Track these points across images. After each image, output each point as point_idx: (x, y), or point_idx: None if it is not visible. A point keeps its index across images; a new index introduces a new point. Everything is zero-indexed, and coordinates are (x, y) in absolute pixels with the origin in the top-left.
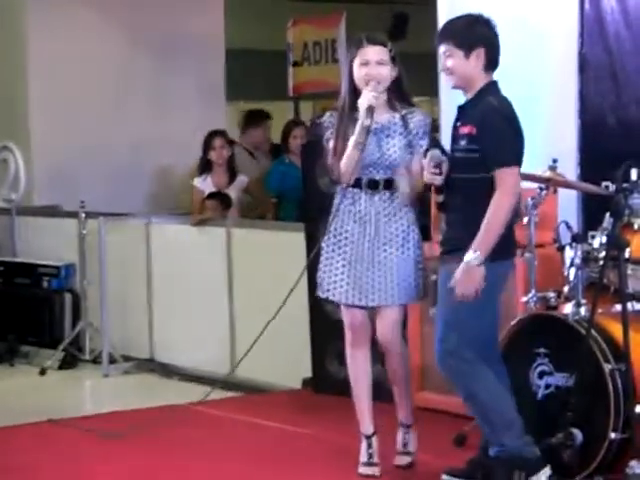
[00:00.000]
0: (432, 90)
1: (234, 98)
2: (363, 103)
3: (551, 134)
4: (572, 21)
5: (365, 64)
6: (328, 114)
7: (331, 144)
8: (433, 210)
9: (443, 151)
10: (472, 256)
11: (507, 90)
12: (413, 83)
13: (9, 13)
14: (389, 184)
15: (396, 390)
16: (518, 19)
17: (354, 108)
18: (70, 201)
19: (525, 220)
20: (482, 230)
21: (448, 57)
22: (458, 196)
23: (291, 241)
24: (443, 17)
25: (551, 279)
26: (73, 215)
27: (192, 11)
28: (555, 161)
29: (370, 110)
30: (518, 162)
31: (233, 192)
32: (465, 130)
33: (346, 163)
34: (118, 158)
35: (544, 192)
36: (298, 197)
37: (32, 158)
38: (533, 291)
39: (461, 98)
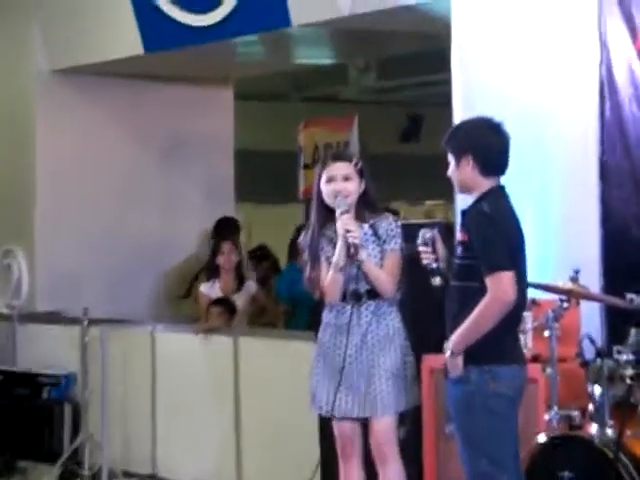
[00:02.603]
0: (447, 193)
1: (243, 200)
2: (342, 232)
3: (573, 243)
4: (592, 127)
5: (331, 180)
6: (303, 234)
7: (307, 267)
8: None
9: (434, 226)
10: (446, 347)
11: (525, 198)
12: (427, 186)
13: (18, 117)
14: (372, 294)
15: None
16: (537, 125)
17: (324, 225)
18: (74, 305)
19: (546, 333)
20: (463, 326)
21: (450, 164)
22: (456, 305)
23: (301, 350)
24: (458, 118)
25: (574, 396)
26: (76, 322)
27: (202, 111)
28: (577, 272)
29: (355, 249)
30: (509, 267)
31: (240, 299)
32: (460, 237)
33: (329, 285)
34: (123, 261)
35: (565, 304)
36: (311, 304)
37: (36, 262)
38: (555, 409)
39: None
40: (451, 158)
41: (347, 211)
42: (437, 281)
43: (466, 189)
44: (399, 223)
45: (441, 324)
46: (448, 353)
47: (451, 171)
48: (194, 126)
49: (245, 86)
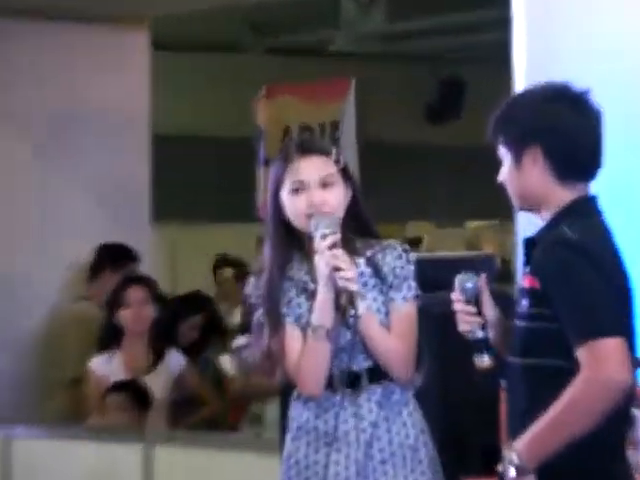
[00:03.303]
0: (501, 209)
1: (166, 217)
2: (326, 273)
3: None
4: None
5: (300, 189)
6: (252, 281)
7: (261, 335)
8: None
9: (478, 268)
10: (508, 458)
11: (618, 219)
12: (469, 196)
13: None
14: (376, 374)
15: None
16: None
17: (288, 263)
18: None
19: None
20: (538, 425)
21: (503, 163)
22: (523, 395)
23: (255, 467)
24: (522, 84)
25: None
26: None
27: (98, 67)
28: None
29: (349, 299)
30: (615, 331)
31: (158, 382)
32: (526, 283)
33: (308, 364)
34: None
35: None
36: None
37: None
38: None
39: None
40: (505, 153)
41: (334, 236)
42: (485, 360)
43: (532, 202)
44: (412, 255)
45: (489, 428)
46: (511, 471)
47: (506, 174)
48: (85, 93)
49: (170, 29)
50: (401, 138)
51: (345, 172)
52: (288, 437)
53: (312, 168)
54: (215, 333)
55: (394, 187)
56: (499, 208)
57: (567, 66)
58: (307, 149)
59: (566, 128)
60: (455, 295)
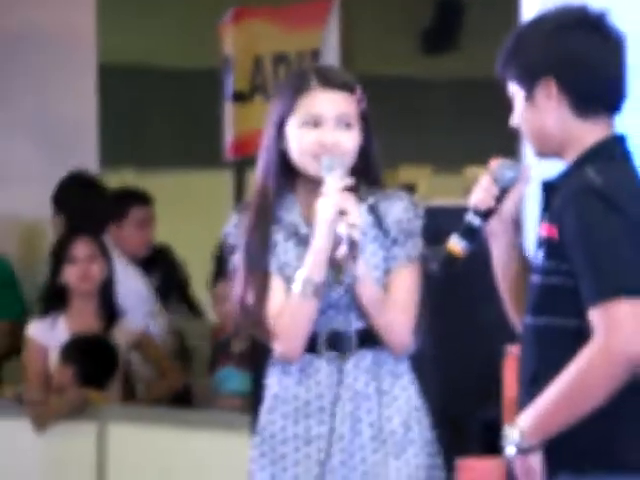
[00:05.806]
0: (508, 150)
1: (116, 162)
2: (327, 217)
3: None
4: None
5: (315, 124)
6: (234, 219)
7: (239, 283)
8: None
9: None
10: (511, 437)
11: None
12: (471, 137)
13: None
14: (368, 338)
15: None
16: None
17: (279, 201)
18: None
19: None
20: (544, 397)
21: (514, 101)
22: (530, 361)
23: (223, 445)
24: (530, 11)
25: None
26: None
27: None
28: None
29: (351, 251)
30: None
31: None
32: (543, 232)
33: (290, 324)
34: None
35: None
36: None
37: None
38: None
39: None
40: (516, 91)
41: (347, 179)
42: (460, 246)
43: (552, 145)
44: (421, 209)
45: (490, 401)
46: (512, 447)
47: (519, 114)
48: (24, 17)
49: None
50: (392, 70)
51: (364, 115)
52: (263, 408)
53: (333, 103)
54: (175, 291)
55: (384, 126)
56: (505, 150)
57: None
58: (330, 81)
59: (581, 56)
60: (486, 179)
